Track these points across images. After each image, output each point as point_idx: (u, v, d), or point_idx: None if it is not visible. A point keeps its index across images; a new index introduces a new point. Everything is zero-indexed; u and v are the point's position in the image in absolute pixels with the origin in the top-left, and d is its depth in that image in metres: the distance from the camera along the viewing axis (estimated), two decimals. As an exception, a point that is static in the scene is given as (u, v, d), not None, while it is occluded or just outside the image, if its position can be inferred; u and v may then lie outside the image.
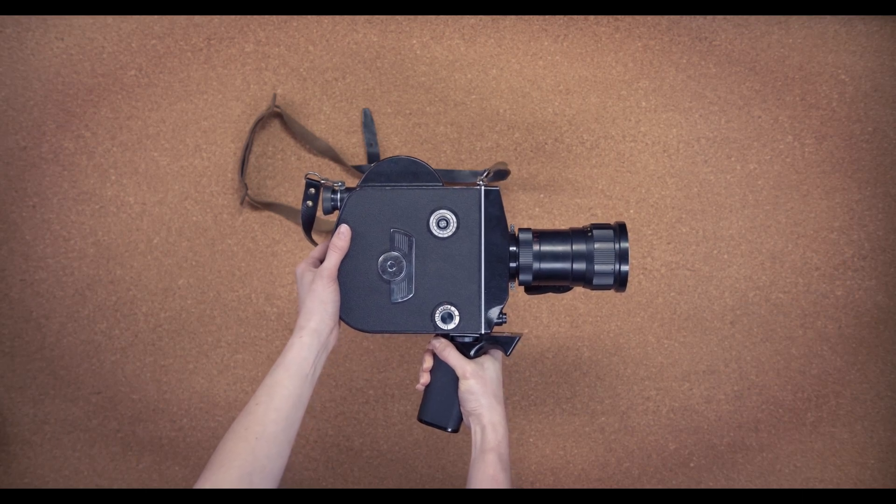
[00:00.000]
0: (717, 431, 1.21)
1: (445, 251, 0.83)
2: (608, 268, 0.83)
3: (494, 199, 0.83)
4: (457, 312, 0.83)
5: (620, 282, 0.83)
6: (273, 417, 0.75)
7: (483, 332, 0.83)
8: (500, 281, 0.83)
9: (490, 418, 0.82)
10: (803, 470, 1.21)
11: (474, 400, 0.82)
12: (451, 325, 0.83)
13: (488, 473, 0.79)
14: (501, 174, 0.87)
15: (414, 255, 0.83)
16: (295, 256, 1.20)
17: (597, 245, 0.83)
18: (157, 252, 1.20)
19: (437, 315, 0.83)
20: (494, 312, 0.83)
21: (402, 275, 0.82)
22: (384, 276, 0.83)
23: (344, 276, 0.82)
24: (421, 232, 0.83)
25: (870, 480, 1.21)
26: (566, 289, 0.88)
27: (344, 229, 0.82)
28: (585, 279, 0.84)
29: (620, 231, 0.83)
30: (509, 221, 0.96)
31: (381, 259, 0.82)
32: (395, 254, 0.82)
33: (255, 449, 0.73)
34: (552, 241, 0.84)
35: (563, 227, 0.86)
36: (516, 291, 0.87)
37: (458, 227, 0.83)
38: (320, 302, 0.79)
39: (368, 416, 1.21)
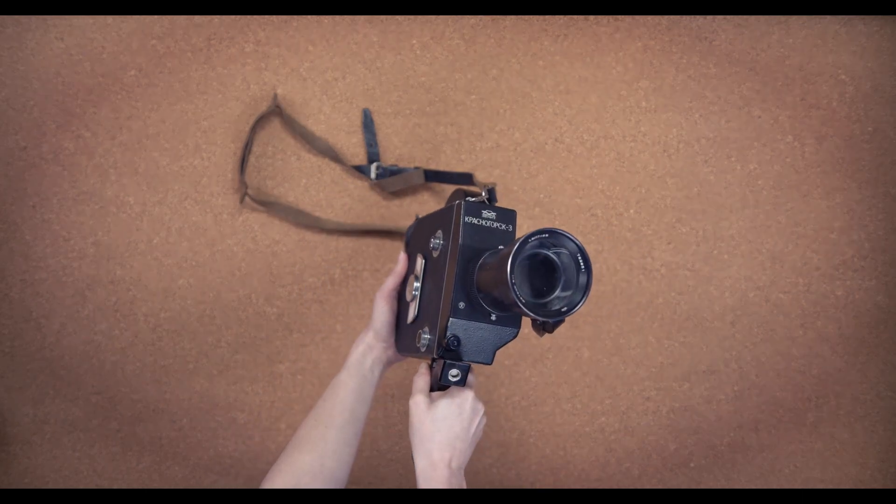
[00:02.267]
0: (717, 431, 1.21)
1: (436, 271, 0.78)
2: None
3: (464, 212, 0.74)
4: (427, 334, 0.75)
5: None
6: (339, 409, 0.83)
7: (434, 354, 0.73)
8: (458, 300, 0.72)
9: (415, 459, 0.75)
10: (803, 470, 1.21)
11: (410, 432, 0.77)
12: (422, 348, 0.75)
13: None
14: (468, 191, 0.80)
15: (422, 276, 0.82)
16: (295, 256, 1.20)
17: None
18: (157, 252, 1.20)
19: (417, 336, 0.76)
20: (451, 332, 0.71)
21: (413, 295, 0.82)
22: (406, 298, 0.84)
23: (401, 298, 0.87)
24: (428, 253, 0.81)
25: (870, 480, 1.21)
26: (546, 324, 0.68)
27: (401, 256, 0.89)
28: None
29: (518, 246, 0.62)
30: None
31: (407, 282, 0.84)
32: (412, 276, 0.83)
33: (325, 435, 0.81)
34: (490, 261, 0.69)
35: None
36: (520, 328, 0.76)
37: (442, 246, 0.77)
38: (373, 319, 0.87)
39: (368, 417, 1.21)
